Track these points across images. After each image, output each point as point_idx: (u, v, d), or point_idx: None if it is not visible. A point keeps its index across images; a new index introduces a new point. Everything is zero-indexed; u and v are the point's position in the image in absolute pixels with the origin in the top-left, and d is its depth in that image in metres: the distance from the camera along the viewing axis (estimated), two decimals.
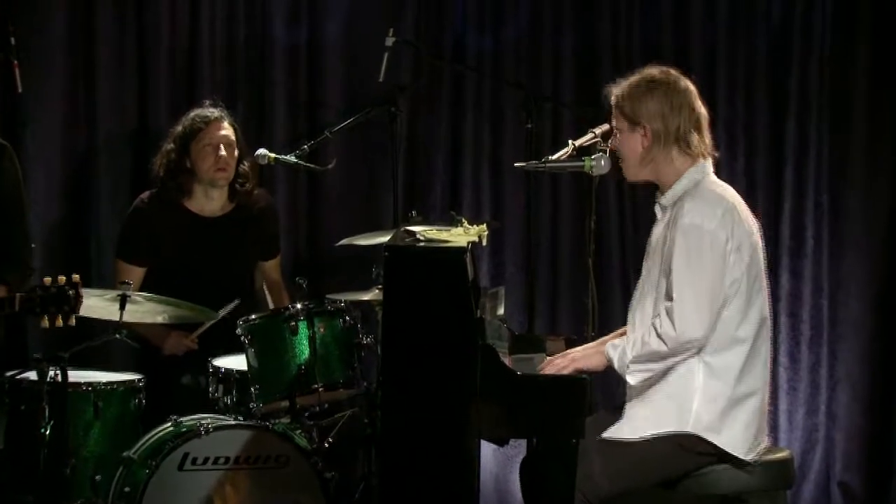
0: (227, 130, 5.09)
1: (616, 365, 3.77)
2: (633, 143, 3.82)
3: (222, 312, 4.77)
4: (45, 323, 4.00)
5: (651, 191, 3.98)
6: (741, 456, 3.77)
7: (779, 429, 5.79)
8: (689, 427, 3.73)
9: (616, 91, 3.85)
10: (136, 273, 4.96)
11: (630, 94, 3.81)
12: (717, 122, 5.70)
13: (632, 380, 3.76)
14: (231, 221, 5.15)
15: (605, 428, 3.82)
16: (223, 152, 5.05)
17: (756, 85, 5.83)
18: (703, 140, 3.84)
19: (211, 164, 5.04)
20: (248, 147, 5.16)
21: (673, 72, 3.85)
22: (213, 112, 5.10)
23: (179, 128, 5.09)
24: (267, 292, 5.28)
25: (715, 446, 3.75)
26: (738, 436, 3.77)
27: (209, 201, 5.12)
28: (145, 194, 5.14)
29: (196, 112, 5.11)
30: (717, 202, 3.74)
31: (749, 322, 3.78)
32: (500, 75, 5.74)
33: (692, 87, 3.84)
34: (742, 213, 3.80)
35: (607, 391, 5.12)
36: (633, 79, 3.84)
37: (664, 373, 3.75)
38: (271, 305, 5.19)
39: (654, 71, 3.84)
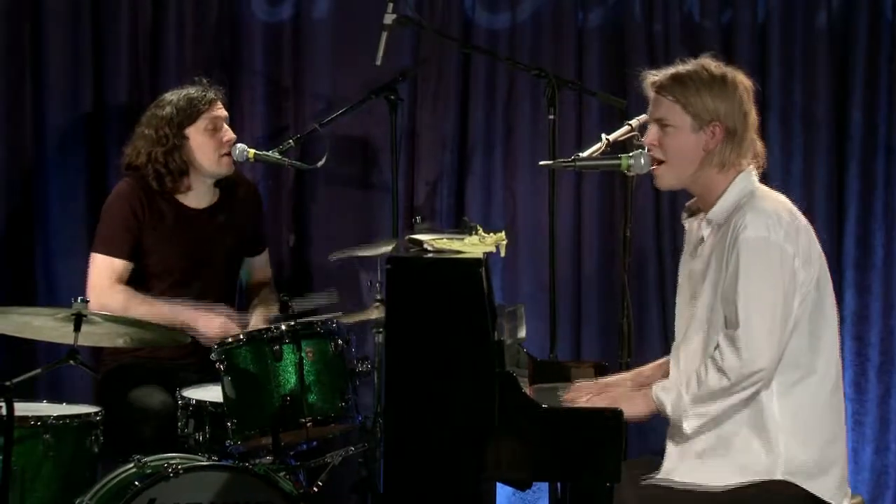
0: (225, 111, 5.13)
1: (669, 410, 3.75)
2: (694, 145, 3.81)
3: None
4: None
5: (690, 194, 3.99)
6: None
7: None
8: (780, 473, 3.73)
9: (670, 81, 3.82)
10: (126, 269, 4.98)
11: (697, 88, 3.80)
12: (770, 111, 5.73)
13: (688, 427, 3.74)
14: (217, 212, 5.16)
15: (646, 473, 3.81)
16: (230, 134, 5.08)
17: (816, 65, 5.82)
18: (757, 147, 3.89)
19: (214, 150, 5.05)
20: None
21: (725, 65, 3.87)
22: (210, 91, 5.10)
23: (168, 110, 5.04)
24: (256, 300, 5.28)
25: (809, 494, 3.75)
26: (832, 480, 3.80)
27: (199, 193, 5.13)
28: (126, 181, 5.09)
29: (188, 91, 5.08)
30: (780, 210, 3.77)
31: (826, 347, 3.80)
32: (516, 57, 5.71)
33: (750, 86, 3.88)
34: (801, 219, 3.83)
35: (641, 432, 5.15)
36: (690, 69, 3.83)
37: (735, 410, 3.74)
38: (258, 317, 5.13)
39: (709, 63, 3.84)
